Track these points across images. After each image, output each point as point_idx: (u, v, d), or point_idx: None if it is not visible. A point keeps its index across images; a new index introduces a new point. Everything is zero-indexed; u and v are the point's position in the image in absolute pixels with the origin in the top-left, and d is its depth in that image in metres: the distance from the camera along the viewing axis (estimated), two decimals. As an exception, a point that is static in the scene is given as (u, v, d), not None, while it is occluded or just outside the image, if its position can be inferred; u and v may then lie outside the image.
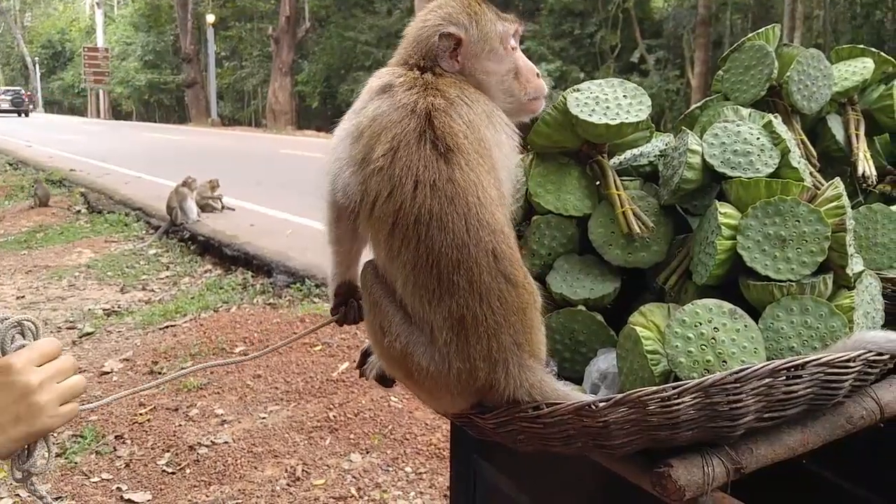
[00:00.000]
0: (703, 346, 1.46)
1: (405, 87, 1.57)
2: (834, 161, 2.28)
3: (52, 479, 4.42)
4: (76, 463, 4.61)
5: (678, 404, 1.31)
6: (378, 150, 1.50)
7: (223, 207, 12.53)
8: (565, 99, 1.85)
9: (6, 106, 51.95)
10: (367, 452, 4.63)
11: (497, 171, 1.55)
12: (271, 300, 7.70)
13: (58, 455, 4.69)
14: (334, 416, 5.06)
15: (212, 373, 5.80)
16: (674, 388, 1.32)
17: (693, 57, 27.42)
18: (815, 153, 2.15)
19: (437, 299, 1.45)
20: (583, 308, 1.79)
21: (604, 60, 31.30)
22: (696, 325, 1.47)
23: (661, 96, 27.95)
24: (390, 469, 4.44)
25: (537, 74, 1.74)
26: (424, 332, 1.49)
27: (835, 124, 2.26)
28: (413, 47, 1.68)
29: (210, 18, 46.15)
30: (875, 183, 2.19)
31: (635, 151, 2.06)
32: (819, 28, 26.35)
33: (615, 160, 2.06)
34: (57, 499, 4.21)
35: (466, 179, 1.46)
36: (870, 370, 1.49)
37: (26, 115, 51.72)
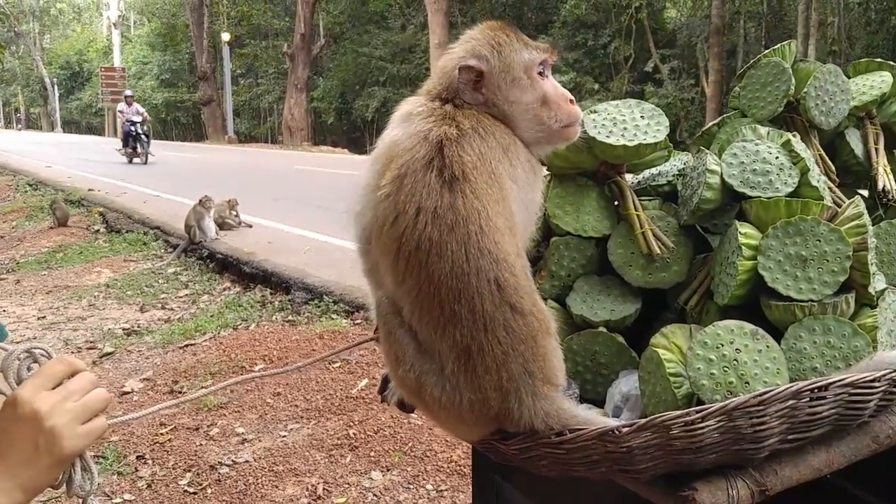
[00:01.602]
0: (726, 368, 1.45)
1: (423, 117, 1.58)
2: (853, 175, 2.27)
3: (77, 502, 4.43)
4: (99, 484, 4.62)
5: (702, 428, 1.31)
6: (387, 176, 1.51)
7: (240, 223, 12.57)
8: (582, 121, 1.85)
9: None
10: (388, 470, 4.62)
11: (508, 203, 1.52)
12: (290, 317, 7.72)
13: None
14: (354, 434, 5.05)
15: (232, 391, 5.81)
16: (697, 411, 1.31)
17: (707, 66, 27.38)
18: (833, 168, 2.15)
19: (441, 328, 1.45)
20: (604, 329, 1.79)
21: (618, 71, 31.30)
22: (717, 347, 1.47)
23: (676, 106, 27.92)
24: (411, 487, 4.43)
25: (570, 101, 1.69)
26: (435, 361, 1.49)
27: (853, 139, 2.25)
28: (438, 79, 1.68)
29: (225, 37, 46.44)
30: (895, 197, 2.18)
31: (654, 171, 2.06)
32: (833, 35, 26.25)
33: (633, 180, 2.06)
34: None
35: (469, 208, 1.44)
36: (895, 389, 1.48)
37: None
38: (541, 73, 1.68)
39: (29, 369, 1.38)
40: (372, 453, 4.82)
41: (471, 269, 1.43)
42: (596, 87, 30.11)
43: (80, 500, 1.39)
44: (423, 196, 1.45)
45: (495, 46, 1.65)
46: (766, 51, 2.22)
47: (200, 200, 11.72)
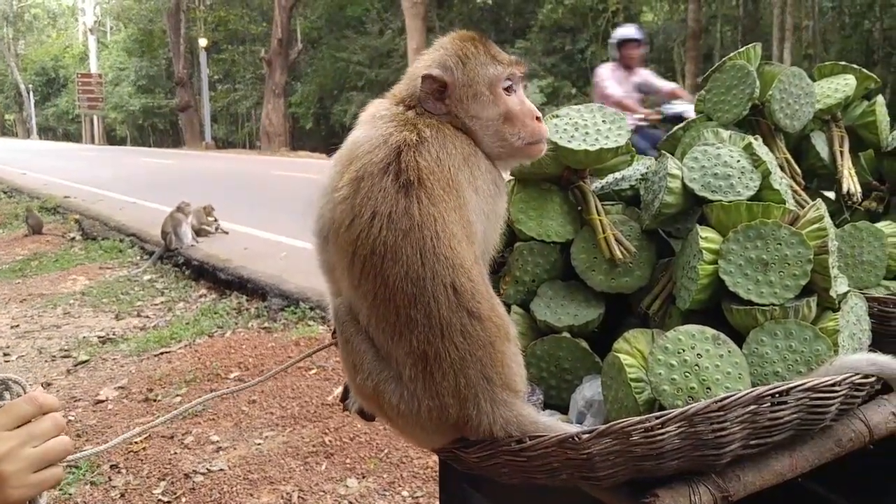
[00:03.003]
0: (687, 374, 1.45)
1: (386, 120, 1.56)
2: (819, 178, 2.28)
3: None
4: (70, 494, 4.57)
5: (662, 434, 1.30)
6: (345, 178, 1.50)
7: (217, 229, 12.50)
8: (545, 129, 1.84)
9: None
10: (364, 477, 4.59)
11: (466, 212, 1.50)
12: (266, 324, 7.67)
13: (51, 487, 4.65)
14: (330, 441, 5.02)
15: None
16: (657, 417, 1.31)
17: (684, 70, 27.50)
18: (799, 171, 2.15)
19: (397, 334, 1.44)
20: (567, 335, 1.78)
21: (596, 75, 31.35)
22: (679, 352, 1.46)
23: (653, 109, 27.99)
24: (387, 493, 4.41)
25: (537, 118, 1.66)
26: (392, 367, 1.47)
27: (819, 142, 2.26)
28: (406, 85, 1.66)
29: (202, 42, 46.23)
30: (860, 200, 2.19)
31: (617, 175, 2.06)
32: (808, 39, 26.47)
33: (597, 185, 2.06)
34: (51, 532, 4.17)
35: (424, 213, 1.43)
36: (856, 393, 1.48)
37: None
38: (508, 89, 1.65)
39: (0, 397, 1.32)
40: (348, 460, 4.79)
41: (426, 274, 1.41)
42: (573, 91, 30.16)
43: None
44: (379, 200, 1.44)
45: (461, 58, 1.62)
46: (731, 54, 2.23)
47: (178, 206, 11.65)
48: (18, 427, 1.26)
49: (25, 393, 1.34)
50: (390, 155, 1.48)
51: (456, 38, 1.68)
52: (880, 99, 2.32)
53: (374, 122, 1.58)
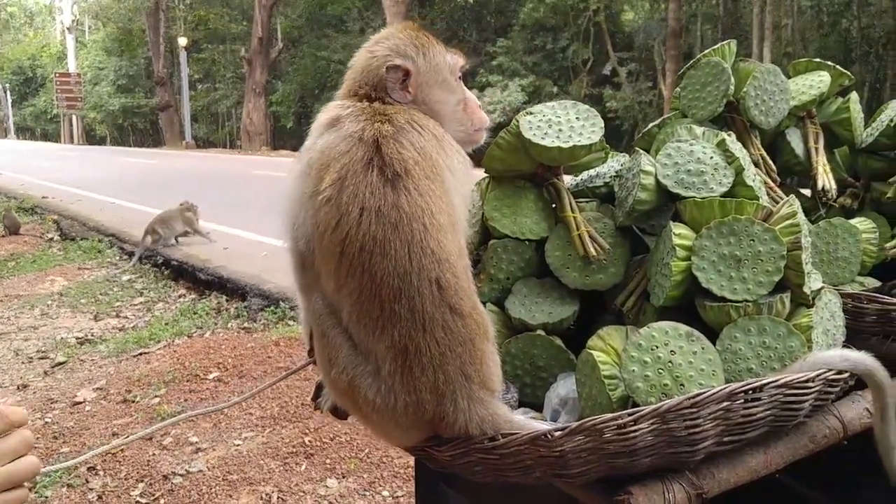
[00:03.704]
0: (661, 370, 1.44)
1: (352, 118, 1.55)
2: (794, 175, 2.28)
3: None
4: (46, 497, 4.53)
5: (635, 431, 1.29)
6: (326, 181, 1.48)
7: (195, 232, 12.42)
8: (518, 122, 1.84)
9: None
10: (344, 477, 4.58)
11: (450, 196, 1.52)
12: (246, 324, 7.64)
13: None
14: (310, 441, 5.00)
15: (185, 400, 5.74)
16: (630, 414, 1.30)
17: (665, 68, 27.61)
18: (775, 168, 2.15)
19: (380, 328, 1.43)
20: (542, 332, 1.77)
21: (576, 74, 31.44)
22: (652, 349, 1.46)
23: (634, 108, 28.15)
24: (367, 493, 4.39)
25: (479, 107, 1.75)
26: (371, 363, 1.47)
27: (794, 138, 2.26)
28: (362, 78, 1.66)
29: (182, 41, 46.03)
30: (835, 196, 2.20)
31: (591, 173, 2.05)
32: (788, 37, 26.65)
33: (571, 182, 2.05)
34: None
35: (413, 205, 1.44)
36: (830, 389, 1.47)
37: None
38: (459, 78, 1.73)
39: None
40: (328, 461, 4.77)
41: (413, 269, 1.42)
42: (555, 90, 30.21)
43: None
44: (367, 196, 1.44)
45: (419, 47, 1.67)
46: (706, 51, 2.22)
47: (182, 204, 11.65)
48: None
49: None
50: (370, 150, 1.48)
51: (405, 29, 1.73)
52: (854, 96, 2.32)
53: (340, 123, 1.56)
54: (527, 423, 1.47)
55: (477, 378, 1.47)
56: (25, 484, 1.21)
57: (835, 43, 25.70)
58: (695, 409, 1.31)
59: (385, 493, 4.37)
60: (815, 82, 2.27)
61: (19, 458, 1.20)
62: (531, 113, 1.87)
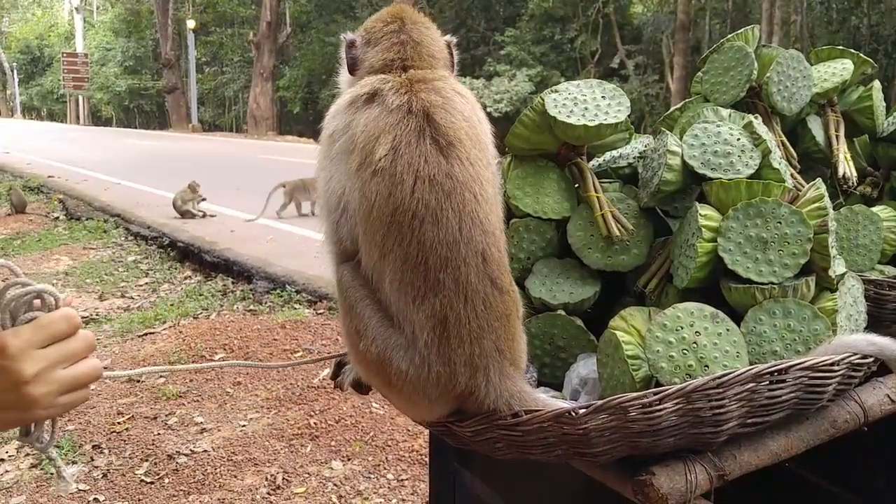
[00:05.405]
0: (685, 351, 1.43)
1: (394, 91, 1.56)
2: (814, 162, 2.27)
3: (28, 490, 4.35)
4: (52, 474, 4.53)
5: (659, 410, 1.29)
6: (378, 152, 1.48)
7: (205, 215, 12.43)
8: (543, 100, 1.82)
9: None
10: (349, 459, 4.58)
11: (493, 166, 1.57)
12: (251, 307, 7.63)
13: (32, 466, 4.62)
14: (315, 423, 5.01)
15: (191, 381, 5.74)
16: (655, 393, 1.29)
17: (672, 62, 27.55)
18: (795, 154, 2.14)
19: (421, 297, 1.44)
20: (562, 312, 1.76)
21: (584, 66, 31.39)
22: (677, 330, 1.45)
23: (640, 101, 28.09)
24: (372, 476, 4.40)
25: None
26: (406, 333, 1.47)
27: (815, 125, 2.24)
28: (395, 52, 1.68)
29: (190, 24, 45.93)
30: (855, 184, 2.18)
31: (615, 153, 2.04)
32: (796, 33, 26.54)
33: (594, 162, 2.04)
34: (32, 510, 4.14)
35: (465, 174, 1.47)
36: (853, 373, 1.47)
37: None
38: None
39: (27, 310, 1.22)
40: (333, 443, 4.78)
41: (462, 238, 1.44)
42: (562, 81, 30.08)
43: (33, 446, 1.27)
44: (420, 164, 1.46)
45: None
46: (730, 35, 2.21)
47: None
48: (51, 345, 1.20)
49: (58, 307, 1.24)
50: (421, 120, 1.50)
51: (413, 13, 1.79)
52: (877, 84, 2.30)
53: (381, 96, 1.56)
54: (551, 401, 1.47)
55: (509, 354, 1.48)
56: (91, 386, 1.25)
57: (844, 40, 25.58)
58: (720, 390, 1.30)
59: (389, 476, 4.38)
60: (837, 69, 2.25)
61: (82, 360, 1.23)
62: (556, 91, 1.85)
